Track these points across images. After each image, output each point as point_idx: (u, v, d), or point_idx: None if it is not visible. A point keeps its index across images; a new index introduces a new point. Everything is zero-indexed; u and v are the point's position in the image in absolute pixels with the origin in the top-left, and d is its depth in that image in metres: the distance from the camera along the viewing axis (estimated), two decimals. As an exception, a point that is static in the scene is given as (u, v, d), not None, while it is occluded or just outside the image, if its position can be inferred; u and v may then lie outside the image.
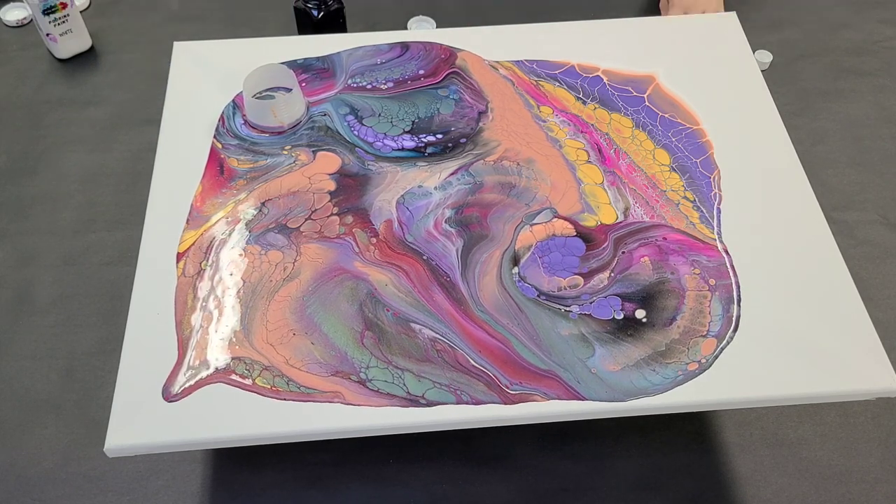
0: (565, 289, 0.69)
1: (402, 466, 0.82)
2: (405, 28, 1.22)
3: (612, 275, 0.70)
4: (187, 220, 0.73)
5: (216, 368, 0.64)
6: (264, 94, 0.84)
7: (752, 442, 0.84)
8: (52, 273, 0.97)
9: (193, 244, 0.72)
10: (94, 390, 0.87)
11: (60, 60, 1.19)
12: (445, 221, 0.73)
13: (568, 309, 0.67)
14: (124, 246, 0.98)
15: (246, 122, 0.81)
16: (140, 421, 0.62)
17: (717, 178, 0.77)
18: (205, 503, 0.80)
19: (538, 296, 0.68)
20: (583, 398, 0.63)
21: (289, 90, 0.83)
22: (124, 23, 1.27)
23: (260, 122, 0.81)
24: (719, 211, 0.75)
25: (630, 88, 0.85)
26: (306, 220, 0.73)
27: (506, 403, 0.63)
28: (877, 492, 0.82)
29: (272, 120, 0.80)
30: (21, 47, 1.23)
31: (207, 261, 0.71)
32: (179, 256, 0.71)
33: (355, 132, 0.80)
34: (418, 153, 0.79)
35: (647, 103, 0.83)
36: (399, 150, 0.79)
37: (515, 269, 0.70)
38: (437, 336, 0.66)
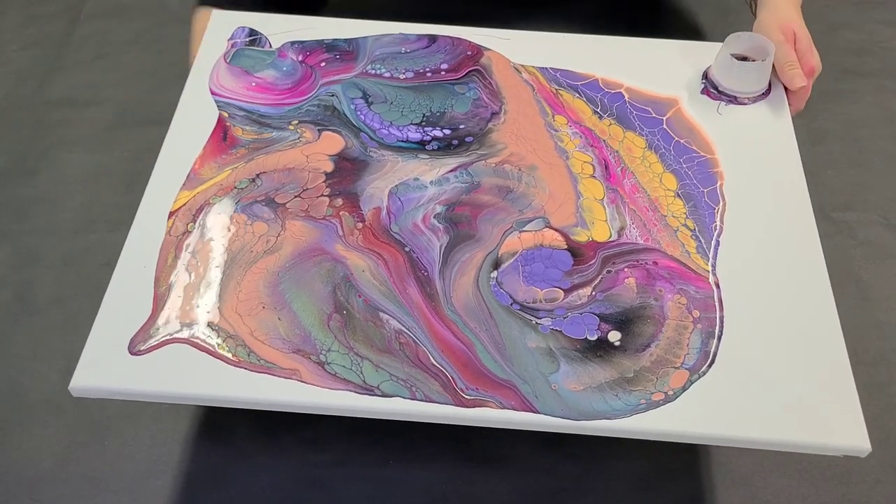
0: (541, 301, 0.67)
1: (402, 466, 0.82)
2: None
3: (594, 293, 0.68)
4: (185, 181, 0.74)
5: (183, 329, 0.65)
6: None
7: (751, 442, 0.83)
8: (52, 273, 0.97)
9: (185, 205, 0.73)
10: (94, 390, 0.89)
11: (60, 60, 1.20)
12: (434, 216, 0.73)
13: (539, 321, 0.66)
14: (124, 246, 0.99)
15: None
16: (106, 368, 0.64)
17: (721, 210, 0.75)
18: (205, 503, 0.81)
19: (511, 304, 0.67)
20: (537, 412, 0.61)
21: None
22: (124, 23, 1.28)
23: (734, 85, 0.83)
24: (718, 243, 0.72)
25: (650, 109, 0.83)
26: (295, 197, 0.73)
27: (458, 406, 0.62)
28: (877, 492, 0.80)
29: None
30: (21, 47, 1.24)
31: (195, 223, 0.71)
32: (171, 215, 0.72)
33: (361, 116, 0.80)
34: (421, 146, 0.78)
35: (664, 126, 0.81)
36: (403, 140, 0.79)
37: (494, 274, 0.69)
38: (403, 329, 0.65)
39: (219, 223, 0.71)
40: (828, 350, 0.66)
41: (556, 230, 0.72)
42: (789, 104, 0.84)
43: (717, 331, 0.67)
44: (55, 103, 1.17)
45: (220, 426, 0.85)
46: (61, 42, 1.25)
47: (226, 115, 0.80)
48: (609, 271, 0.70)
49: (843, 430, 0.62)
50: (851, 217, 1.03)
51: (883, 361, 0.90)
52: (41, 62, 1.22)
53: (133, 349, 0.64)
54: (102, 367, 0.64)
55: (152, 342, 0.64)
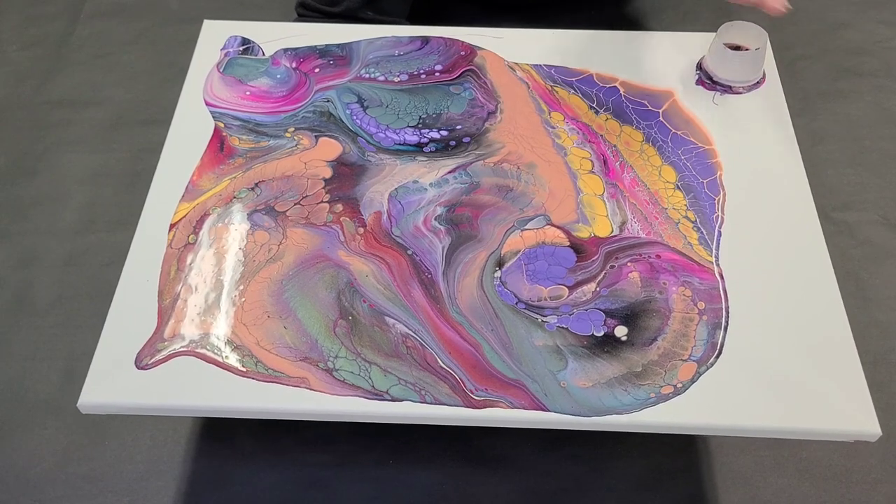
0: (546, 299, 0.67)
1: (402, 467, 0.82)
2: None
3: (598, 289, 0.68)
4: (184, 193, 0.74)
5: (189, 342, 0.65)
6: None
7: (752, 442, 0.83)
8: (52, 274, 0.97)
9: (185, 217, 0.72)
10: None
11: (60, 60, 1.20)
12: (435, 218, 0.73)
13: (545, 319, 0.66)
14: (124, 247, 0.96)
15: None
16: (114, 383, 0.64)
17: (721, 200, 0.75)
18: None
19: (516, 303, 0.67)
20: (547, 411, 0.61)
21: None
22: (124, 23, 1.27)
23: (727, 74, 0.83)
24: (720, 234, 0.72)
25: (646, 102, 0.83)
26: (295, 204, 0.73)
27: (468, 408, 0.62)
28: (877, 492, 0.81)
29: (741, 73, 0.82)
30: (21, 47, 1.24)
31: (196, 234, 0.71)
32: (171, 227, 0.72)
33: (357, 121, 0.80)
34: (419, 148, 0.78)
35: (661, 118, 0.81)
36: (401, 143, 0.79)
37: (498, 273, 0.69)
38: (410, 332, 0.65)
39: (220, 234, 0.71)
40: (833, 335, 0.66)
41: (557, 227, 0.72)
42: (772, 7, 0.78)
43: (723, 321, 0.67)
44: (55, 103, 1.16)
45: (220, 427, 0.85)
46: (61, 42, 1.25)
47: (222, 125, 0.79)
48: (612, 266, 0.70)
49: (853, 414, 0.62)
50: (851, 217, 1.03)
51: (883, 361, 0.90)
52: (41, 62, 1.22)
53: (140, 364, 0.64)
54: (110, 383, 0.63)
55: (159, 356, 0.64)
